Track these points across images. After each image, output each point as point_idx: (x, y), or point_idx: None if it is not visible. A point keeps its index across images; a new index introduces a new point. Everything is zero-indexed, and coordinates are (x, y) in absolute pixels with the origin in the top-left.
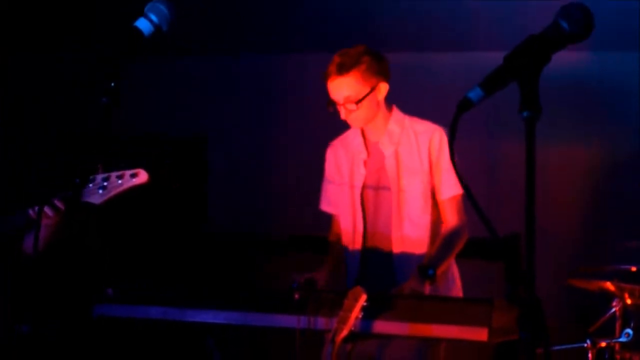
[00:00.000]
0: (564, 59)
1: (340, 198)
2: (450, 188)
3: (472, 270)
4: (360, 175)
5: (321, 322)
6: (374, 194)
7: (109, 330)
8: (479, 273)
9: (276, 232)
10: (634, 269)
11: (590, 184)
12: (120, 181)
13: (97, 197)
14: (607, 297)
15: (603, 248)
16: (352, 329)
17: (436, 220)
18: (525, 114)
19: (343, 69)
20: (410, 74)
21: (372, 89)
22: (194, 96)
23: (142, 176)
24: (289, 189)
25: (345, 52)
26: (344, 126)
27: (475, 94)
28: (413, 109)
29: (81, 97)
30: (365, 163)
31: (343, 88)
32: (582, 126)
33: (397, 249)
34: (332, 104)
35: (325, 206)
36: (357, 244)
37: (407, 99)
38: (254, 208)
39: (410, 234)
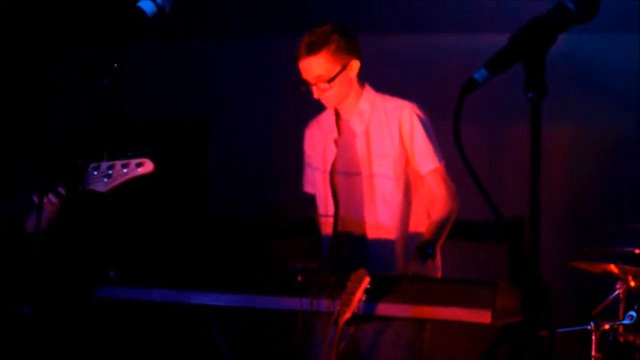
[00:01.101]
0: (567, 41)
1: (316, 181)
2: (429, 162)
3: (475, 253)
4: (332, 153)
5: (324, 304)
6: (345, 179)
7: (111, 313)
8: (483, 256)
9: (277, 216)
10: (637, 251)
11: (594, 166)
12: (125, 170)
13: (102, 185)
14: (610, 280)
15: (607, 230)
16: (355, 311)
17: (407, 197)
18: (530, 95)
19: (313, 49)
20: (410, 57)
21: (344, 67)
22: (195, 80)
23: (148, 166)
24: (291, 173)
25: (314, 31)
26: None
27: (480, 74)
28: (414, 92)
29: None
30: (335, 141)
31: (314, 68)
32: (587, 108)
33: (371, 234)
34: (305, 83)
35: (308, 187)
36: (328, 229)
37: (407, 82)
38: (255, 192)
39: (384, 218)
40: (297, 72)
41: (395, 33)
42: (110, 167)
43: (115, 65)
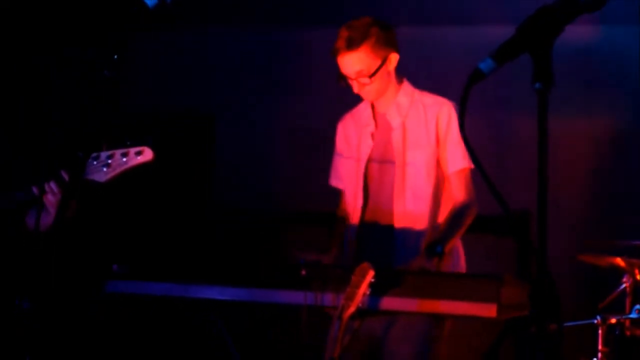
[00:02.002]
0: (571, 32)
1: (348, 172)
2: (458, 161)
3: (481, 246)
4: (367, 146)
5: (328, 298)
6: (378, 168)
7: (113, 306)
8: (489, 249)
9: (283, 209)
10: None
11: (600, 158)
12: (124, 159)
13: (101, 174)
14: (617, 273)
15: (614, 223)
16: (360, 305)
17: (438, 191)
18: (537, 85)
19: (353, 44)
20: (416, 49)
21: (384, 61)
22: (202, 72)
23: (147, 154)
24: (296, 165)
25: (352, 25)
26: (351, 103)
27: (486, 65)
28: (420, 83)
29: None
30: (372, 135)
31: (354, 63)
32: (593, 100)
33: (398, 223)
34: (344, 78)
35: (334, 181)
36: (355, 219)
37: (413, 74)
38: (261, 185)
39: (413, 208)
40: (305, 65)
41: (397, 26)
42: (110, 157)
43: (115, 57)
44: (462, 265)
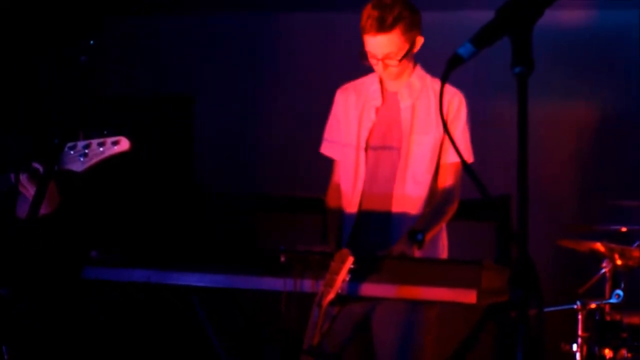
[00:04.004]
0: (551, 16)
1: (345, 145)
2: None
3: (461, 231)
4: (369, 121)
5: (307, 284)
6: (378, 151)
7: (93, 293)
8: (469, 234)
9: (264, 194)
10: (624, 229)
11: (581, 143)
12: (101, 148)
13: (78, 164)
14: (597, 258)
15: (594, 208)
16: (339, 291)
17: (435, 177)
18: (517, 69)
19: (386, 26)
20: None
21: (412, 45)
22: (180, 55)
23: (124, 144)
24: (276, 148)
25: (382, 2)
26: (335, 86)
27: (465, 49)
28: None
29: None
30: (377, 110)
31: (385, 45)
32: (573, 84)
33: (396, 207)
34: (366, 57)
35: (327, 149)
36: (354, 206)
37: None
38: (241, 168)
39: (411, 192)
40: (285, 47)
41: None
42: (87, 146)
43: (92, 42)
44: (444, 256)
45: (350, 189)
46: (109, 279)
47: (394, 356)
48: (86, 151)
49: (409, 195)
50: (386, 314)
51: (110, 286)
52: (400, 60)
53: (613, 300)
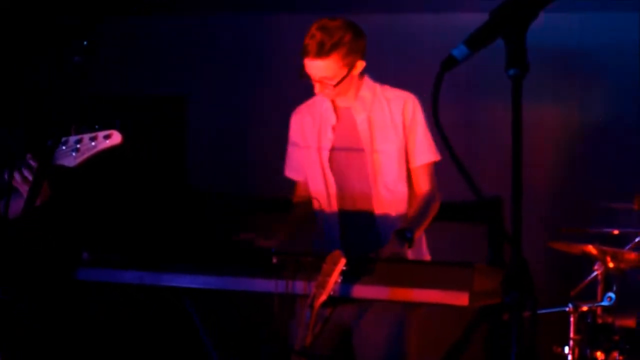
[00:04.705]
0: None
1: (306, 162)
2: (424, 155)
3: (453, 234)
4: (328, 139)
5: (299, 286)
6: (344, 155)
7: (85, 294)
8: (461, 236)
9: (256, 194)
10: (616, 232)
11: (573, 146)
12: (93, 143)
13: (70, 159)
14: (589, 261)
15: (587, 210)
16: (331, 293)
17: (409, 177)
18: (511, 72)
19: (323, 52)
20: (391, 36)
21: (350, 69)
22: (173, 56)
23: (116, 137)
24: (269, 149)
25: (325, 26)
26: None
27: (459, 51)
28: (395, 71)
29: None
30: (333, 128)
31: (322, 69)
32: (566, 87)
33: (378, 209)
34: (306, 76)
35: (290, 172)
36: (333, 206)
37: (388, 61)
38: (234, 168)
39: (391, 192)
40: (277, 48)
41: (372, 13)
42: (78, 141)
43: (85, 42)
44: (425, 256)
45: (323, 190)
46: (101, 280)
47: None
48: (78, 146)
49: (389, 195)
50: (375, 316)
51: (102, 287)
52: (335, 85)
53: (605, 303)
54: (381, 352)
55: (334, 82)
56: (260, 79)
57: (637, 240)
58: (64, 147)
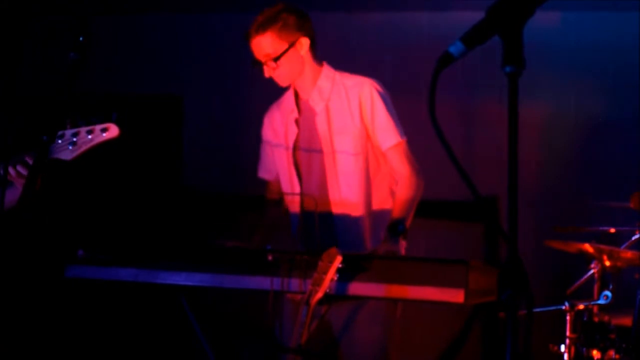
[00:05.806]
0: (546, 16)
1: (279, 160)
2: (390, 137)
3: (449, 232)
4: (293, 133)
5: (295, 284)
6: (306, 156)
7: (80, 292)
8: (457, 234)
9: (251, 193)
10: (612, 230)
11: (569, 144)
12: (90, 136)
13: (67, 153)
14: (585, 259)
15: (583, 209)
16: (327, 291)
17: (368, 175)
18: (507, 68)
19: (260, 28)
20: (383, 35)
21: (291, 45)
22: (169, 54)
23: (113, 130)
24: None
25: (265, 10)
26: None
27: (456, 48)
28: (388, 69)
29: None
30: (296, 121)
31: (262, 46)
32: (562, 86)
33: (336, 210)
34: (256, 63)
35: (262, 173)
36: (296, 206)
37: (384, 59)
38: (229, 168)
39: (347, 194)
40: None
41: (369, 11)
42: (75, 135)
43: (81, 39)
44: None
45: (289, 189)
46: (96, 278)
47: (361, 355)
48: (75, 139)
49: (345, 197)
50: (368, 314)
51: (97, 285)
52: (276, 60)
53: (601, 302)
54: (366, 352)
55: (274, 57)
56: (257, 78)
57: (633, 238)
58: (60, 141)
